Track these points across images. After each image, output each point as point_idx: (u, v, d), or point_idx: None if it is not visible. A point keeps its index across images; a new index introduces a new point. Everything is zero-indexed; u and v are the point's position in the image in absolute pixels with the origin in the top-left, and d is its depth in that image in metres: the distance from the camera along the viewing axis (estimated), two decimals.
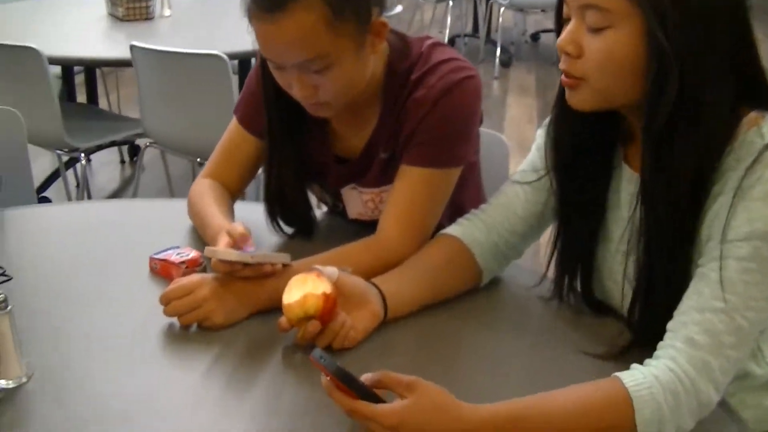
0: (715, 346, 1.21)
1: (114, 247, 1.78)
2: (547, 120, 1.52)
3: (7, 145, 2.36)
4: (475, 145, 1.82)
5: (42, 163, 4.68)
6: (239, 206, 1.85)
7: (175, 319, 1.47)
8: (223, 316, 1.47)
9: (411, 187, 1.67)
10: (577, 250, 1.52)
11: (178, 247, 1.67)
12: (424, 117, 1.64)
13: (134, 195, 3.88)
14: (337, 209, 1.92)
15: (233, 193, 1.86)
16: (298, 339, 1.39)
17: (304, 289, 1.36)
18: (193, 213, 1.81)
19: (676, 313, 1.27)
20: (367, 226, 1.75)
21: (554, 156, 1.49)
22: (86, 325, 1.48)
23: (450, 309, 1.56)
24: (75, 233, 1.85)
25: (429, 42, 1.71)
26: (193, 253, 1.64)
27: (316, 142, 1.79)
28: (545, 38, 8.41)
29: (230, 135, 1.86)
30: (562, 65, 1.34)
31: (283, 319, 1.38)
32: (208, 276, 1.51)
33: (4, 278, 1.52)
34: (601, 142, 1.46)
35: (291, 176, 1.77)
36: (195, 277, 1.50)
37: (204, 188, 1.82)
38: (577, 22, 1.30)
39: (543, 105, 6.22)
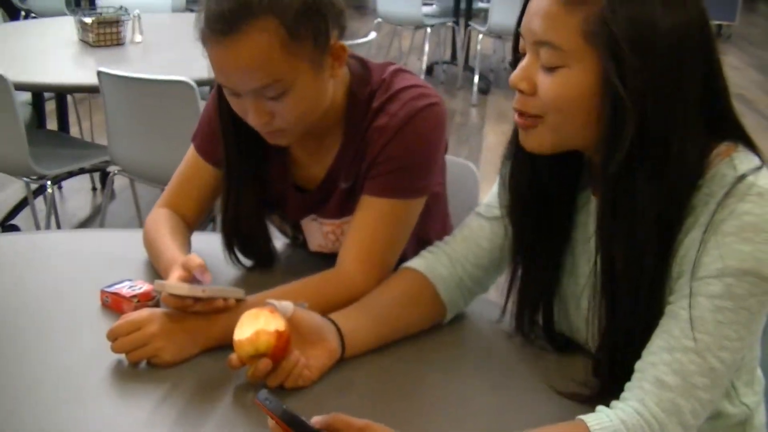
0: (686, 388, 1.16)
1: (67, 279, 1.72)
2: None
3: None
4: (440, 175, 1.76)
5: (14, 190, 4.62)
6: (195, 237, 1.79)
7: (123, 356, 1.41)
8: (172, 353, 1.41)
9: (372, 219, 1.61)
10: (538, 285, 1.47)
11: (130, 280, 1.62)
12: (386, 145, 1.59)
13: (102, 224, 3.82)
14: (298, 241, 1.87)
15: (190, 223, 1.80)
16: (249, 377, 1.33)
17: (256, 325, 1.31)
18: (148, 244, 1.75)
19: (644, 353, 1.22)
20: (328, 258, 1.69)
21: (510, 197, 1.44)
22: (32, 360, 1.43)
23: (410, 345, 1.50)
24: (28, 264, 1.79)
25: (391, 68, 1.67)
26: (145, 287, 1.59)
27: (276, 171, 1.74)
28: None
29: (187, 163, 1.81)
30: (515, 104, 1.28)
31: (233, 356, 1.33)
32: (158, 311, 1.45)
33: None
34: (560, 178, 1.40)
35: (249, 206, 1.72)
36: (144, 312, 1.44)
37: (160, 218, 1.76)
38: (532, 59, 1.25)
39: (508, 142, 6.18)
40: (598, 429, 1.14)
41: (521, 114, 1.28)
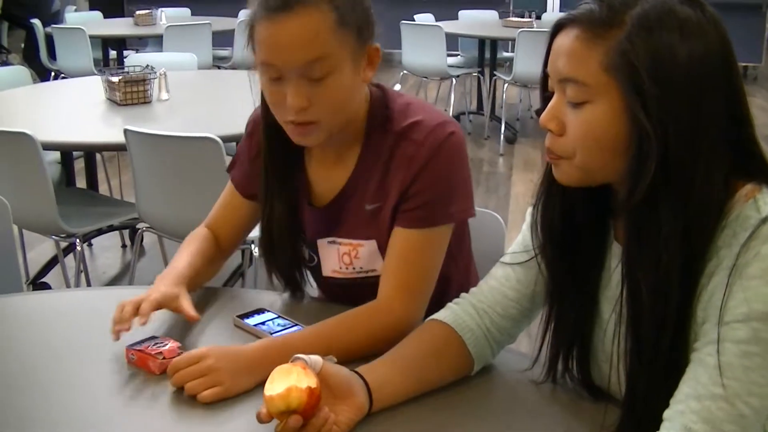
0: None
1: (93, 337, 1.70)
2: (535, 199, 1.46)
3: None
4: (470, 199, 1.76)
5: (45, 248, 4.65)
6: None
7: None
8: (230, 384, 1.45)
9: (407, 250, 1.68)
10: (571, 330, 1.45)
11: (155, 338, 1.61)
12: (417, 176, 1.66)
13: (131, 280, 3.83)
14: (312, 263, 1.88)
15: (225, 247, 1.93)
16: (279, 430, 1.31)
17: (288, 381, 1.30)
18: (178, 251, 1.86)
19: (672, 401, 1.19)
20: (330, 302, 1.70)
21: (543, 235, 1.43)
22: (56, 418, 1.41)
23: (438, 395, 1.47)
24: (53, 323, 1.78)
25: (405, 97, 1.75)
26: (170, 344, 1.58)
27: (296, 191, 1.81)
28: None
29: (226, 195, 1.93)
30: (546, 142, 1.30)
31: (263, 411, 1.31)
32: (216, 347, 1.50)
33: None
34: (591, 218, 1.39)
35: (285, 225, 1.80)
36: (203, 348, 1.50)
37: (196, 234, 1.91)
38: (559, 97, 1.27)
39: (541, 178, 6.17)
40: None
41: (551, 152, 1.29)
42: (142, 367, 1.56)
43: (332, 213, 1.78)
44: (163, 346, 1.57)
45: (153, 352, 1.55)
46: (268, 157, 1.77)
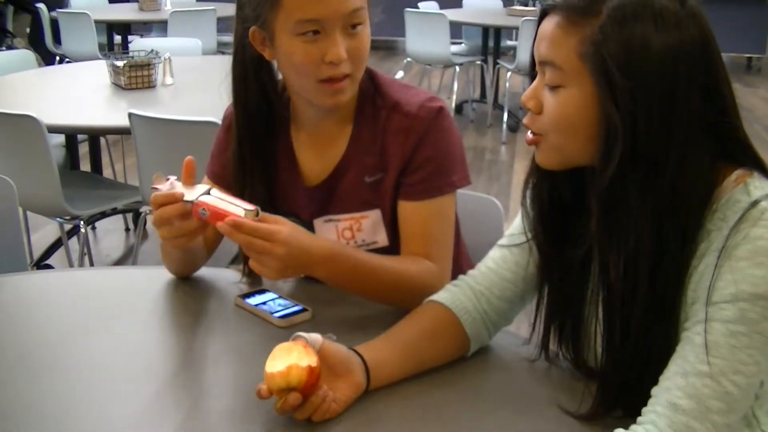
0: (700, 412, 1.17)
1: (96, 317, 1.74)
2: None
3: None
4: (466, 167, 1.83)
5: (49, 231, 4.68)
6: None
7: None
8: (278, 275, 1.54)
9: (421, 223, 1.75)
10: (561, 309, 1.48)
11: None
12: (417, 148, 1.72)
13: (134, 263, 3.86)
14: None
15: (207, 246, 1.89)
16: (277, 409, 1.34)
17: (289, 359, 1.32)
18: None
19: (660, 379, 1.23)
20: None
21: (533, 214, 1.47)
22: (60, 400, 1.43)
23: (434, 376, 1.50)
24: (59, 302, 1.81)
25: (386, 76, 1.82)
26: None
27: (284, 170, 1.83)
28: None
29: None
30: (524, 120, 1.36)
31: (263, 387, 1.34)
32: (293, 233, 1.52)
33: None
34: (579, 198, 1.42)
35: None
36: (281, 229, 1.50)
37: None
38: (539, 79, 1.32)
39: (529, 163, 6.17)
40: None
41: (528, 129, 1.35)
42: (215, 222, 1.52)
43: (327, 191, 1.81)
44: (237, 205, 1.53)
45: (231, 203, 1.53)
46: (248, 139, 1.78)
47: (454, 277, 1.73)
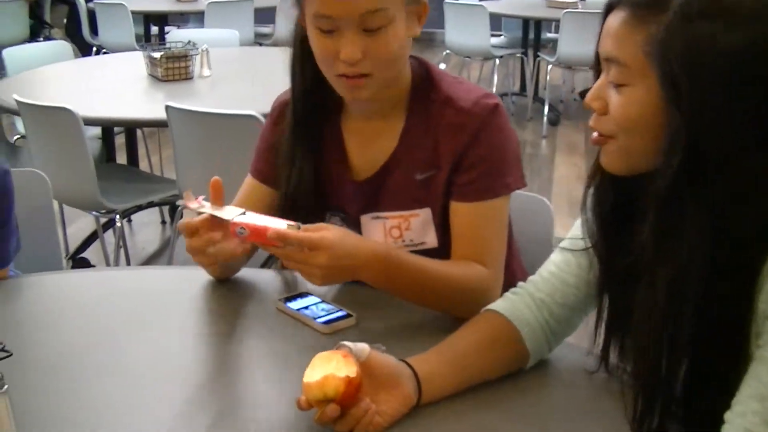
0: None
1: (130, 319, 1.68)
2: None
3: (32, 209, 2.28)
4: (521, 169, 1.75)
5: (85, 223, 4.65)
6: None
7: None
8: (323, 281, 1.49)
9: (473, 225, 1.68)
10: (621, 319, 1.38)
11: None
12: (470, 147, 1.65)
13: (170, 258, 3.81)
14: None
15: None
16: (316, 421, 1.27)
17: (327, 369, 1.26)
18: None
19: (734, 402, 1.13)
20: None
21: (594, 219, 1.38)
22: (95, 405, 1.38)
23: (489, 390, 1.41)
24: (90, 303, 1.75)
25: (442, 70, 1.76)
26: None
27: (332, 163, 1.77)
28: None
29: (246, 189, 1.87)
30: (590, 122, 1.29)
31: (302, 399, 1.27)
32: (337, 238, 1.46)
33: (4, 354, 1.41)
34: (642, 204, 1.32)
35: (306, 194, 1.75)
36: (324, 236, 1.45)
37: None
38: (604, 77, 1.26)
39: (592, 164, 6.08)
40: None
41: (594, 131, 1.28)
42: (257, 239, 1.48)
43: (376, 186, 1.75)
44: (276, 221, 1.48)
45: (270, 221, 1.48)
46: (300, 125, 1.74)
47: (506, 281, 1.66)
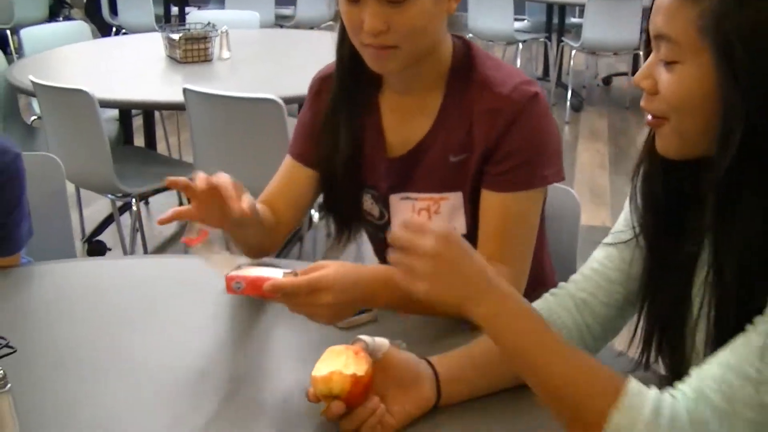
0: (726, 413, 1.05)
1: (143, 311, 1.63)
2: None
3: (45, 194, 2.23)
4: (561, 162, 1.68)
5: (101, 206, 4.61)
6: None
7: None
8: (332, 320, 1.42)
9: (504, 217, 1.61)
10: (665, 314, 1.31)
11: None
12: (505, 135, 1.58)
13: (186, 248, 3.76)
14: (382, 219, 1.78)
15: (284, 221, 1.78)
16: (322, 414, 1.23)
17: (335, 364, 1.22)
18: None
19: (707, 360, 1.10)
20: None
21: (643, 205, 1.31)
22: (101, 402, 1.33)
23: (515, 396, 1.33)
24: (101, 294, 1.71)
25: (486, 52, 1.71)
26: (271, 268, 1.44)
27: (370, 139, 1.73)
28: (617, 82, 8.19)
29: (282, 171, 1.82)
30: (641, 103, 1.22)
31: (311, 391, 1.24)
32: (338, 274, 1.38)
33: (8, 350, 1.37)
34: (695, 191, 1.25)
35: (345, 164, 1.72)
36: (324, 274, 1.37)
37: None
38: (654, 55, 1.19)
39: (615, 151, 6.00)
40: (633, 389, 1.08)
41: (646, 112, 1.22)
42: (254, 293, 1.40)
43: (409, 164, 1.70)
44: (271, 271, 1.41)
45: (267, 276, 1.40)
46: (342, 95, 1.71)
47: (534, 275, 1.61)
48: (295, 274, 1.39)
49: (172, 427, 1.28)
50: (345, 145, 1.71)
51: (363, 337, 1.26)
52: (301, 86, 1.95)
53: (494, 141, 1.59)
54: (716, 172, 1.11)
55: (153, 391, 1.37)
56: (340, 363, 1.21)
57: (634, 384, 1.09)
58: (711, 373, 1.08)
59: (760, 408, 1.04)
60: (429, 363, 1.30)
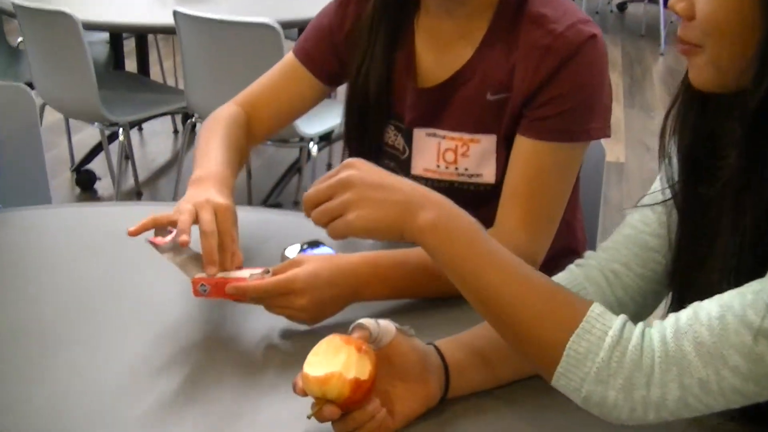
0: (712, 356, 0.95)
1: (120, 269, 1.48)
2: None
3: (15, 129, 2.05)
4: (608, 117, 1.50)
5: (91, 133, 4.45)
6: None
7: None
8: (313, 320, 1.28)
9: (538, 168, 1.45)
10: (692, 271, 1.15)
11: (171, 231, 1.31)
12: (552, 77, 1.42)
13: (179, 173, 3.64)
14: (404, 155, 1.60)
15: (259, 133, 1.65)
16: (312, 415, 1.03)
17: (333, 364, 1.01)
18: (197, 146, 1.55)
19: (716, 296, 0.99)
20: None
21: (680, 141, 1.17)
22: (62, 378, 1.17)
23: (532, 386, 1.16)
24: (75, 247, 1.55)
25: None
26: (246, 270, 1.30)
27: (401, 66, 1.56)
28: (633, 8, 7.94)
29: (280, 70, 1.65)
30: (678, 31, 1.10)
31: (299, 383, 1.03)
32: (311, 273, 1.26)
33: None
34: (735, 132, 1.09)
35: (377, 83, 1.55)
36: (298, 276, 1.25)
37: (225, 117, 1.59)
38: None
39: (630, 82, 5.80)
40: (595, 312, 0.99)
41: (682, 41, 1.09)
42: (221, 296, 1.28)
43: (441, 97, 1.52)
44: (240, 272, 1.29)
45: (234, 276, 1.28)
46: (383, 12, 1.54)
47: (565, 248, 1.46)
48: (267, 272, 1.25)
49: (143, 408, 1.12)
50: (381, 68, 1.54)
51: (366, 322, 1.06)
52: (300, 10, 1.75)
53: (540, 82, 1.43)
54: (749, 103, 1.00)
55: (126, 366, 1.21)
56: (338, 362, 1.01)
57: (596, 307, 0.99)
58: (707, 311, 0.97)
59: (752, 358, 0.93)
60: (437, 350, 1.13)
